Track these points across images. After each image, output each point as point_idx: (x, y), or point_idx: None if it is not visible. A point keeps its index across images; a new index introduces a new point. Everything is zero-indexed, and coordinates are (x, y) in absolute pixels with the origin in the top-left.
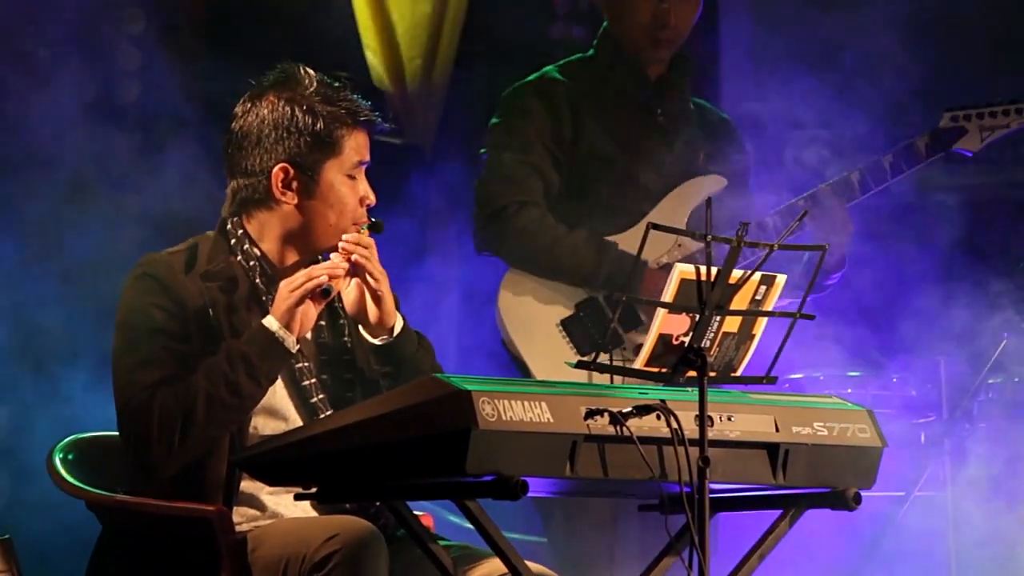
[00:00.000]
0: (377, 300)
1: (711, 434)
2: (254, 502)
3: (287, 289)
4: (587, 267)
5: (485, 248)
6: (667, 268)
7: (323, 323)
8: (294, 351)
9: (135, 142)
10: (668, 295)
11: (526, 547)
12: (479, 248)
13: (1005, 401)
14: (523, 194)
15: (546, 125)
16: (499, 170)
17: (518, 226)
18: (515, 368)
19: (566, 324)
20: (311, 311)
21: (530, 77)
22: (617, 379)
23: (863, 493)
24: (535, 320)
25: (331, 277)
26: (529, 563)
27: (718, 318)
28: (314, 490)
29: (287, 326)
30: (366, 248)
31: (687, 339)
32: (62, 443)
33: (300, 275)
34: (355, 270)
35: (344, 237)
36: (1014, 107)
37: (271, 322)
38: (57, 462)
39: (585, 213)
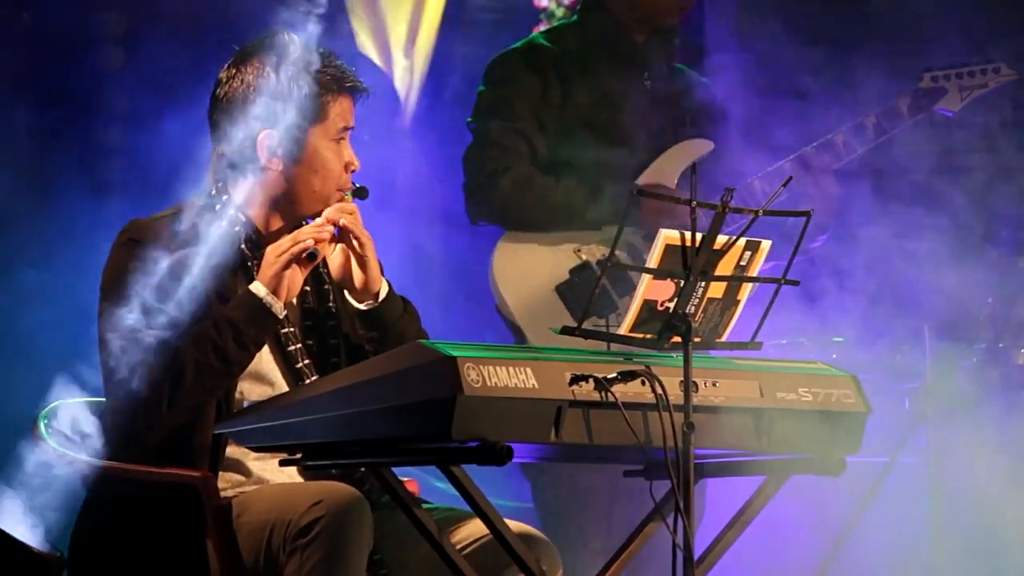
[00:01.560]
0: (363, 265)
1: (696, 400)
2: (240, 468)
3: (273, 254)
4: (584, 208)
5: (479, 217)
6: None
7: (308, 288)
8: (281, 316)
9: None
10: (653, 261)
11: (515, 513)
12: (473, 218)
13: (989, 366)
14: (511, 160)
15: (533, 91)
16: (487, 138)
17: (508, 186)
18: (510, 334)
19: (561, 290)
20: (297, 276)
21: (517, 44)
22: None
23: (848, 459)
24: (531, 286)
25: (316, 240)
26: (512, 522)
27: (703, 284)
28: (299, 456)
29: (274, 291)
30: (351, 214)
31: (672, 305)
32: (46, 409)
33: (286, 239)
34: (341, 235)
35: (327, 212)
36: (991, 67)
37: (258, 288)
38: (42, 428)
39: (575, 179)
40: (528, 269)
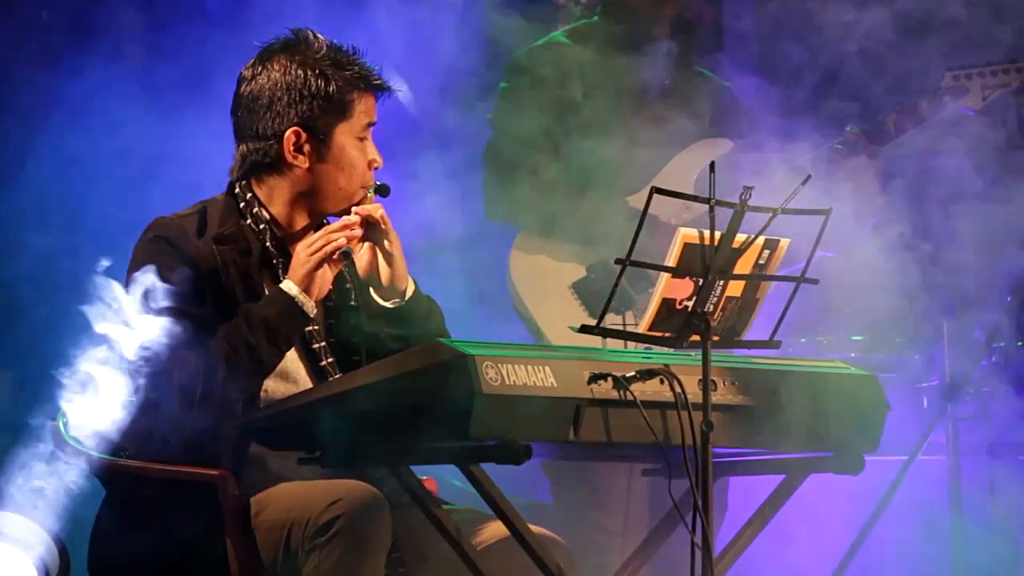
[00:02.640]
0: (390, 262)
1: (714, 398)
2: (259, 465)
3: (306, 252)
4: (599, 224)
5: (497, 214)
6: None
7: (331, 286)
8: (313, 315)
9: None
10: (671, 259)
11: (532, 510)
12: (491, 215)
13: (1008, 364)
14: (532, 159)
15: (553, 90)
16: (507, 135)
17: (528, 190)
18: (527, 332)
19: (578, 287)
20: (328, 274)
21: (537, 42)
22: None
23: (866, 457)
24: (546, 283)
25: (348, 239)
26: (531, 526)
27: (721, 282)
28: (318, 455)
29: (306, 290)
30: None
31: (691, 303)
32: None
33: (318, 238)
34: (369, 232)
35: (358, 210)
36: (1014, 66)
37: (290, 286)
38: (61, 426)
39: (593, 177)
40: (544, 267)
